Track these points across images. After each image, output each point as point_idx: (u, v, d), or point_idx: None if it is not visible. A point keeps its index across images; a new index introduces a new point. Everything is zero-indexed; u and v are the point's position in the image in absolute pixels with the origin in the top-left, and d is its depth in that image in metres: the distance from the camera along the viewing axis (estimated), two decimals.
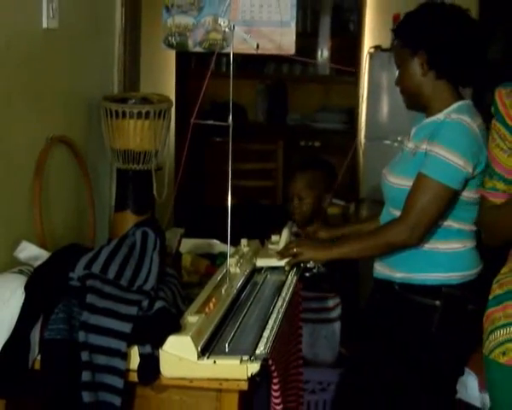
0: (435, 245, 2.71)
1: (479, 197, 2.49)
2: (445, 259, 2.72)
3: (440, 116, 2.72)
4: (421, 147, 2.70)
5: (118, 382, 2.04)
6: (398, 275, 2.76)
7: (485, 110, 2.70)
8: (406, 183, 2.69)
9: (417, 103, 2.81)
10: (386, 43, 6.33)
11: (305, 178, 3.57)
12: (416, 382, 2.75)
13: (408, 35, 2.76)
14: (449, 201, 2.66)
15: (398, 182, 2.74)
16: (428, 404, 2.80)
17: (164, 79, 5.60)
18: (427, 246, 2.72)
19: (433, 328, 2.71)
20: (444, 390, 2.84)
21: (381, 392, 2.82)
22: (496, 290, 2.35)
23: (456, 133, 2.64)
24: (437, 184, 2.62)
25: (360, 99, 6.43)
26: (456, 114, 2.67)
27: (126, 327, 2.06)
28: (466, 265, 2.74)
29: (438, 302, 2.70)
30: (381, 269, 2.83)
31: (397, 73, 2.86)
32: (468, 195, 2.66)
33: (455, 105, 2.73)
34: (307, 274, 2.81)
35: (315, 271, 2.81)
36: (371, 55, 6.40)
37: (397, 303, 2.79)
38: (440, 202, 2.64)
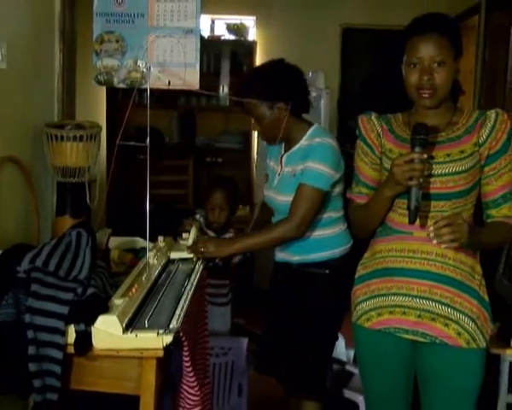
0: (322, 232, 2.81)
1: (343, 189, 2.68)
2: (329, 241, 2.82)
3: (303, 142, 2.79)
4: (297, 168, 2.76)
5: (58, 354, 1.98)
6: (295, 258, 2.83)
7: (349, 132, 2.76)
8: (292, 197, 2.74)
9: (278, 140, 2.82)
10: None
11: (225, 194, 3.52)
12: (313, 336, 2.83)
13: (267, 92, 2.74)
14: (322, 200, 2.74)
15: (287, 199, 2.78)
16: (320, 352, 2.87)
17: (96, 109, 5.51)
18: (316, 234, 2.81)
19: (328, 291, 2.80)
20: (332, 341, 2.95)
21: (287, 346, 2.88)
22: (360, 271, 2.39)
23: (324, 151, 2.72)
24: (313, 188, 2.70)
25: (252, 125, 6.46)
26: (319, 138, 2.74)
27: (64, 309, 1.99)
28: (343, 242, 2.86)
29: (327, 271, 2.80)
30: (281, 255, 2.89)
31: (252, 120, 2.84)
32: (337, 190, 2.78)
33: (310, 131, 2.80)
34: (210, 264, 2.81)
35: (217, 261, 2.82)
36: None
37: (296, 277, 2.85)
38: (316, 202, 2.72)
